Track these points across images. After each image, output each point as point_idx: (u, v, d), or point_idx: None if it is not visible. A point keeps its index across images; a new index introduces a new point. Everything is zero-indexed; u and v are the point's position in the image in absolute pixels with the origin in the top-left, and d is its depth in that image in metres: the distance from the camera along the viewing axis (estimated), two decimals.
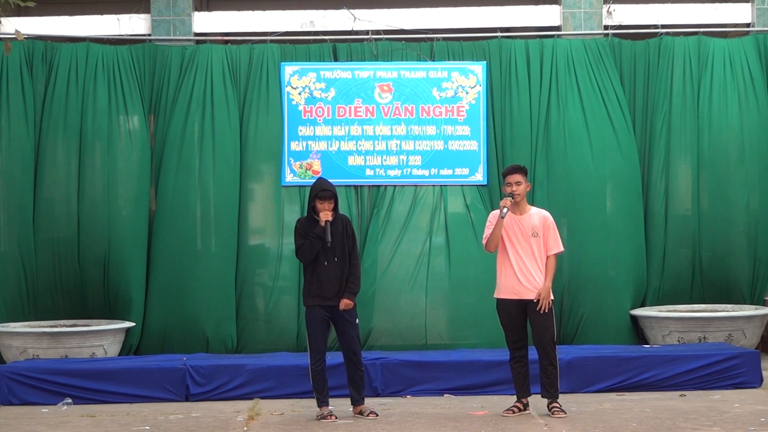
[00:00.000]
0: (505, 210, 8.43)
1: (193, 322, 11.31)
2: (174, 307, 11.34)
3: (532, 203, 10.80)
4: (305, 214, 8.92)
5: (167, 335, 11.31)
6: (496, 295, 8.66)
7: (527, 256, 8.51)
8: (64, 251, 11.31)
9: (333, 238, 8.52)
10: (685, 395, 9.41)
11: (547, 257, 8.54)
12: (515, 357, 8.59)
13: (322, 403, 8.60)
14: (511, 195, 8.48)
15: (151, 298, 11.40)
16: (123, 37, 12.00)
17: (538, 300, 8.43)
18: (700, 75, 11.69)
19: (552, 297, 8.51)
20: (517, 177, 8.53)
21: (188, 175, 11.46)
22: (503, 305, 8.60)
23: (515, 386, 8.64)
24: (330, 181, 8.92)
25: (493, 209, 11.55)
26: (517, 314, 8.54)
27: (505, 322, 8.60)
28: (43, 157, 11.37)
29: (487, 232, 8.61)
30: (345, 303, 8.60)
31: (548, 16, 12.36)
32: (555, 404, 8.51)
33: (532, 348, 8.64)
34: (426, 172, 11.69)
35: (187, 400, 9.64)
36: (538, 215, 8.62)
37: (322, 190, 8.55)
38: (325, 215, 8.50)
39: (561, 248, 8.62)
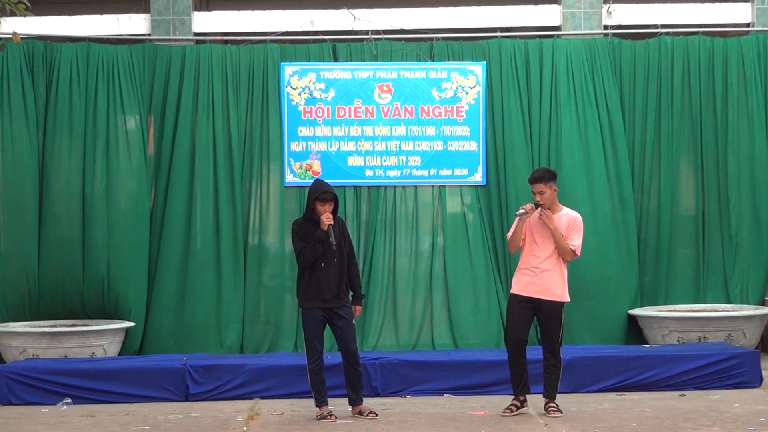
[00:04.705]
0: (521, 211, 8.42)
1: (199, 325, 11.30)
2: (179, 310, 11.33)
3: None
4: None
5: (172, 339, 11.28)
6: (511, 291, 8.67)
7: (545, 257, 8.46)
8: (66, 253, 11.25)
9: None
10: (684, 395, 9.42)
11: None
12: (512, 357, 8.57)
13: (322, 402, 8.59)
14: (536, 204, 8.44)
15: (155, 301, 11.37)
16: (122, 37, 12.00)
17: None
18: (700, 74, 11.69)
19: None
20: (540, 186, 8.43)
21: (190, 177, 11.45)
22: (513, 300, 8.58)
23: (512, 383, 8.62)
24: (329, 181, 8.92)
25: (491, 210, 11.65)
26: (523, 312, 8.49)
27: (510, 317, 8.57)
28: (49, 159, 11.33)
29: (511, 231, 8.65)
30: (359, 310, 8.75)
31: (548, 15, 12.36)
32: (552, 404, 8.53)
33: (530, 349, 8.65)
34: (425, 173, 11.68)
35: (186, 399, 9.64)
36: (567, 217, 8.53)
37: (323, 192, 8.48)
38: (327, 218, 8.45)
39: (577, 245, 8.43)
